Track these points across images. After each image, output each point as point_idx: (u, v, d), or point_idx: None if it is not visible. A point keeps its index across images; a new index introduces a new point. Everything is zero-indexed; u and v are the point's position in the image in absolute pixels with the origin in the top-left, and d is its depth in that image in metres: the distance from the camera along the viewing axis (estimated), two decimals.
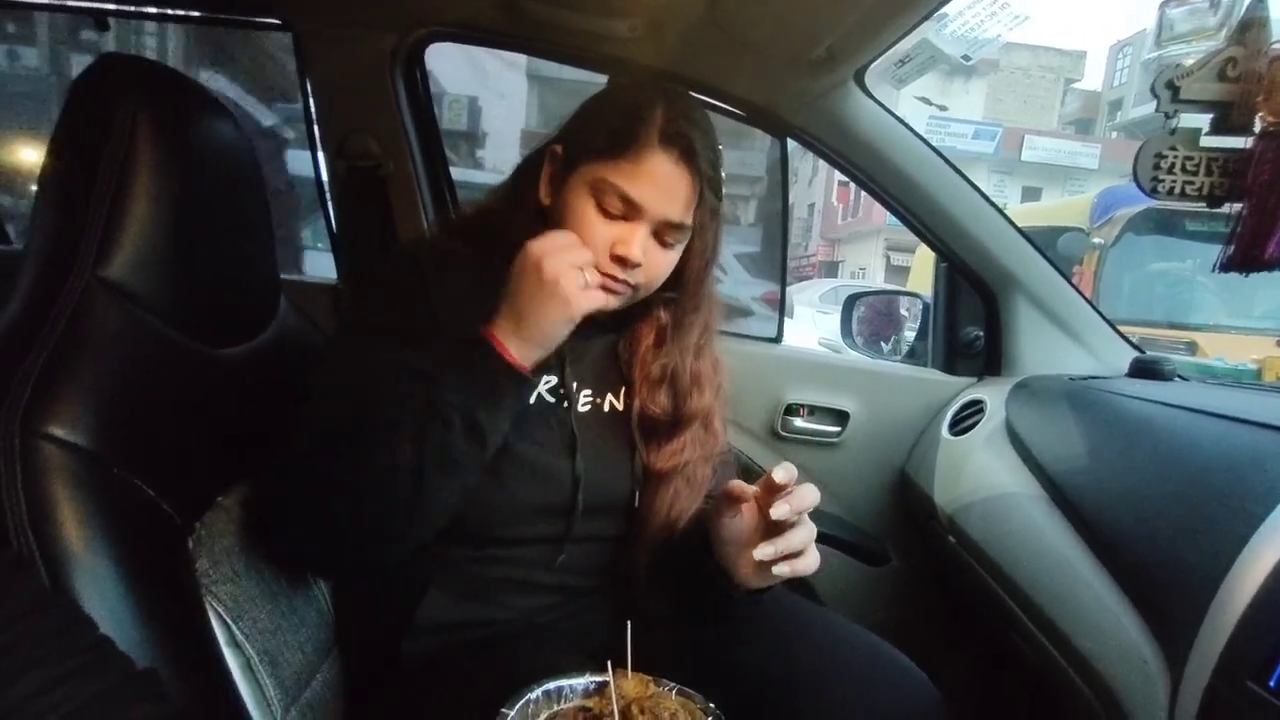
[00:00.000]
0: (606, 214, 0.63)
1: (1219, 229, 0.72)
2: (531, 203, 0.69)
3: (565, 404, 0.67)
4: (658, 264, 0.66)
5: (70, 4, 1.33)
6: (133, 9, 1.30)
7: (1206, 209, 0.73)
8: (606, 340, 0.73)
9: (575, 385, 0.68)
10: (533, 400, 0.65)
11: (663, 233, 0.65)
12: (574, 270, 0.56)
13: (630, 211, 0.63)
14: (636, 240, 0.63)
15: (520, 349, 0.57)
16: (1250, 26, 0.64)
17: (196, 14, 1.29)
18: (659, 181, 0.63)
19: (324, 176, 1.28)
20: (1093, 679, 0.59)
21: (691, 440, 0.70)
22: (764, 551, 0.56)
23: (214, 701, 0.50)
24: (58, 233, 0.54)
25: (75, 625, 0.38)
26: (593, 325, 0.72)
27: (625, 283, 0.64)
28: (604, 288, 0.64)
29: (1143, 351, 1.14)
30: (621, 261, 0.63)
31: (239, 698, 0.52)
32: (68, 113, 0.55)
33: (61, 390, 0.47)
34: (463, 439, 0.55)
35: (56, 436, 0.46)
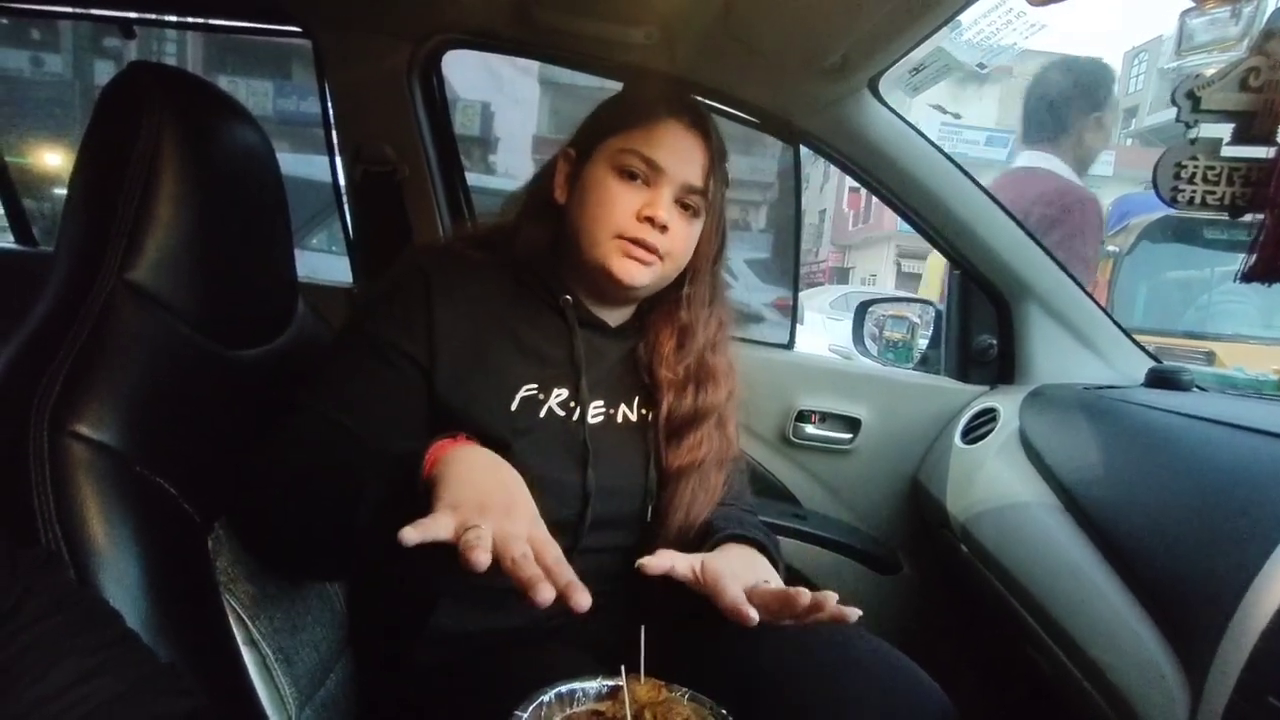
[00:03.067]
0: (629, 183, 0.66)
1: (1238, 237, 0.71)
2: (548, 206, 0.70)
3: (576, 416, 0.67)
4: (682, 234, 0.68)
5: (95, 12, 1.36)
6: (154, 17, 1.33)
7: (1227, 218, 0.72)
8: (624, 347, 0.73)
9: (588, 396, 0.68)
10: (542, 414, 0.66)
11: (684, 197, 0.67)
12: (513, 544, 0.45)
13: (652, 175, 0.66)
14: (662, 201, 0.66)
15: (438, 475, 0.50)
16: (1272, 36, 0.64)
17: (218, 22, 1.31)
18: (675, 145, 0.66)
19: (341, 181, 1.30)
20: (1109, 692, 0.58)
21: (707, 437, 0.71)
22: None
23: (231, 698, 0.50)
24: (85, 235, 0.55)
25: (103, 620, 0.38)
26: (611, 332, 0.72)
27: (654, 251, 0.66)
28: (633, 256, 0.66)
29: (1159, 361, 1.13)
30: (650, 222, 0.65)
31: (255, 695, 0.53)
32: (97, 119, 0.57)
33: (88, 390, 0.48)
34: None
35: (83, 435, 0.47)
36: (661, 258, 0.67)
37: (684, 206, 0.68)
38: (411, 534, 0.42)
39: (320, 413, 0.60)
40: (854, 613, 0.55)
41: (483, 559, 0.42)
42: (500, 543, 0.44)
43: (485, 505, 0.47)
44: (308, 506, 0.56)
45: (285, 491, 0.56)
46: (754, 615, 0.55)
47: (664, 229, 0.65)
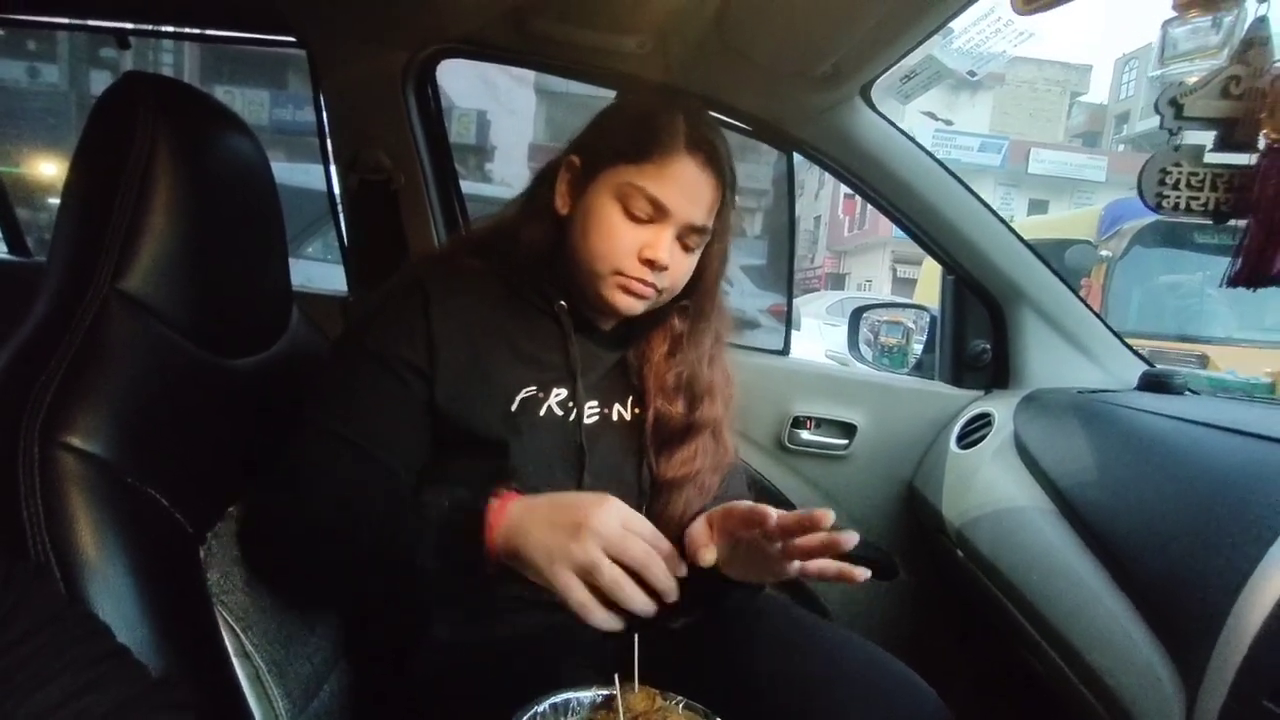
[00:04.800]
0: (633, 218, 0.65)
1: (1229, 241, 0.72)
2: (548, 212, 0.70)
3: (573, 416, 0.67)
4: (681, 268, 0.68)
5: (91, 23, 1.37)
6: (150, 28, 1.34)
7: (1213, 224, 0.73)
8: (618, 350, 0.73)
9: (584, 397, 0.68)
10: (542, 413, 0.66)
11: (686, 236, 0.67)
12: (609, 574, 0.50)
13: (657, 215, 0.65)
14: (664, 243, 0.65)
15: (503, 548, 0.53)
16: (1252, 45, 0.65)
17: (213, 32, 1.32)
18: (686, 185, 0.65)
19: (336, 190, 1.30)
20: (1105, 695, 0.58)
21: (702, 449, 0.70)
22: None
23: (223, 711, 0.50)
24: (78, 245, 0.55)
25: (95, 634, 0.38)
26: (605, 336, 0.73)
27: (653, 286, 0.66)
28: (631, 291, 0.66)
29: (1152, 365, 1.13)
30: (650, 264, 0.65)
31: (247, 707, 0.53)
32: (90, 128, 0.56)
33: (79, 401, 0.48)
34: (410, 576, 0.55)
35: (74, 446, 0.46)
36: (660, 291, 0.67)
37: (685, 241, 0.67)
38: (613, 625, 0.50)
39: (330, 430, 0.60)
40: (851, 537, 0.56)
41: (604, 620, 0.49)
42: (590, 571, 0.50)
43: (568, 525, 0.51)
44: (339, 553, 0.57)
45: (312, 534, 0.57)
46: (773, 513, 0.55)
47: (664, 269, 0.65)
